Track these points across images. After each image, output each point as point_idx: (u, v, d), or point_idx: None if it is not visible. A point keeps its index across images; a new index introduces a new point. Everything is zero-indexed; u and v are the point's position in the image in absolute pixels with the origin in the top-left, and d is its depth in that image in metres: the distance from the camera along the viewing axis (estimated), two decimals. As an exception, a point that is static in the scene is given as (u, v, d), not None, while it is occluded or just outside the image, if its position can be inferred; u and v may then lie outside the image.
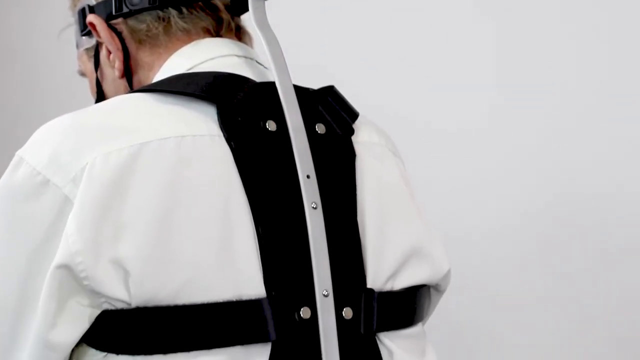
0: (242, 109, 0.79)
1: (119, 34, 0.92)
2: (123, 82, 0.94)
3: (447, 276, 0.94)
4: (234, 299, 0.74)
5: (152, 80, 0.90)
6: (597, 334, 1.79)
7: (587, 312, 1.80)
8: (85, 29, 0.95)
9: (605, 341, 1.78)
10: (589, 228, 1.79)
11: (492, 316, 1.90)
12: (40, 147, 0.76)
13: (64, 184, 0.74)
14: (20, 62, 2.47)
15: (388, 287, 0.83)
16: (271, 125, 0.80)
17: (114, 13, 0.90)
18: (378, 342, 0.82)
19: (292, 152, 0.80)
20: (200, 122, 0.78)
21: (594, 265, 1.78)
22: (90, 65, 0.98)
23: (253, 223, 0.76)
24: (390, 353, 0.82)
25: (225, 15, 0.92)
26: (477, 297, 1.88)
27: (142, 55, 0.92)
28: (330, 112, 0.85)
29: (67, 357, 0.78)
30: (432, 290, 0.94)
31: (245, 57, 0.90)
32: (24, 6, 2.45)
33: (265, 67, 0.90)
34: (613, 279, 1.76)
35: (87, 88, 1.02)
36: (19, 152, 0.78)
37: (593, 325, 1.79)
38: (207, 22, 0.91)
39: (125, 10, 0.90)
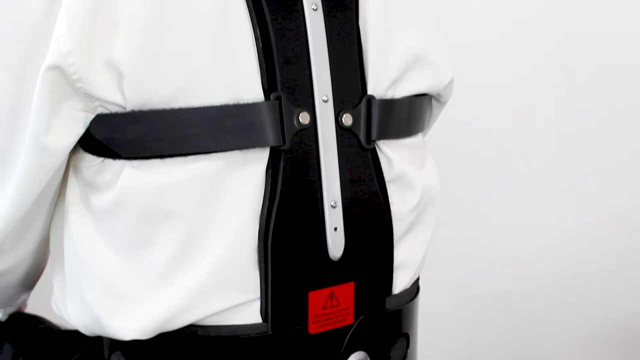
0: None
1: None
2: None
3: (449, 86, 0.92)
4: (232, 103, 0.72)
5: None
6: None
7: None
8: None
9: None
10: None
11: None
12: None
13: None
14: None
15: (389, 94, 0.81)
16: None
17: None
18: (377, 150, 0.81)
19: None
20: None
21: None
22: None
23: (251, 24, 0.74)
24: (390, 161, 0.82)
25: None
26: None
27: None
28: None
29: (64, 163, 0.77)
30: (433, 100, 0.93)
31: None
32: None
33: None
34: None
35: None
36: None
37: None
38: None
39: None
